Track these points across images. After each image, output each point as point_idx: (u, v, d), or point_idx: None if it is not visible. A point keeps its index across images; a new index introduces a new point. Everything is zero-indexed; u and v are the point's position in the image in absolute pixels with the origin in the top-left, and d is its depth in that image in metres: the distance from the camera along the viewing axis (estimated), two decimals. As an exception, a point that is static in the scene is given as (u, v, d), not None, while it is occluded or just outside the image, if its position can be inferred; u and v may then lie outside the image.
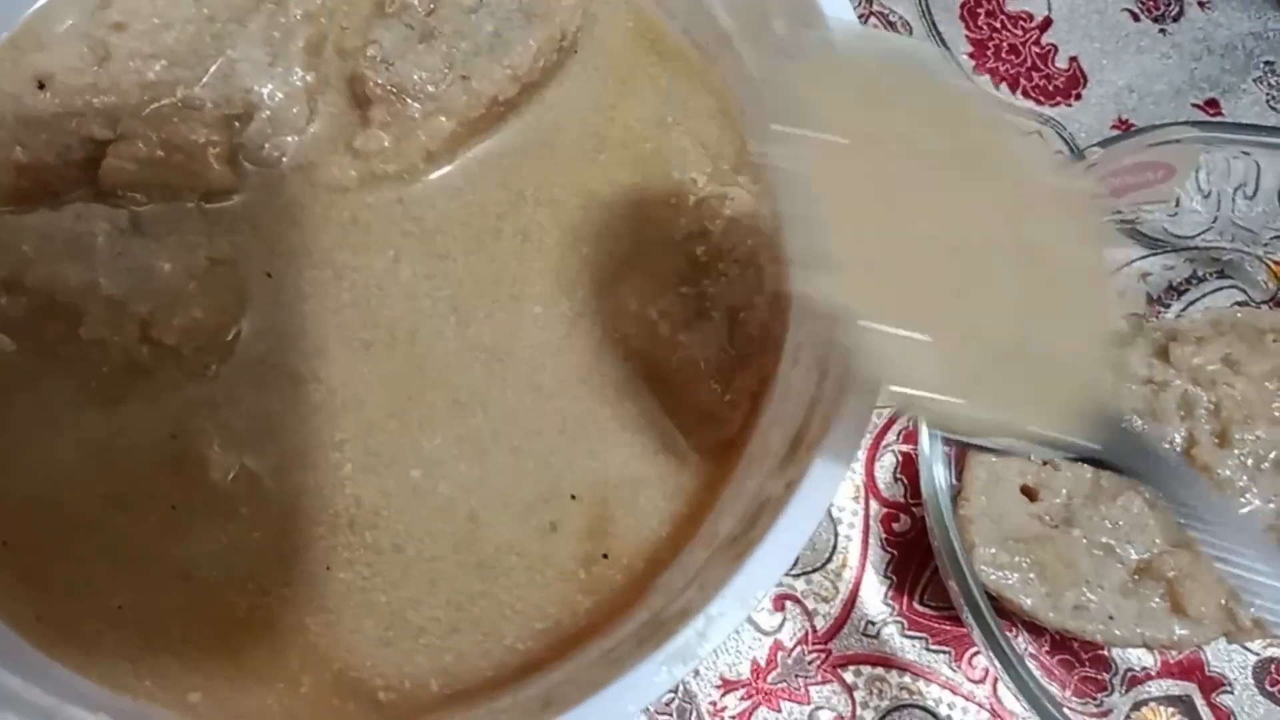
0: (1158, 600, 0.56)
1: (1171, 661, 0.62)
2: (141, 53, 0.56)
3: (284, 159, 0.58)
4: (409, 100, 0.57)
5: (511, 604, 0.52)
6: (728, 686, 0.60)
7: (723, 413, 0.54)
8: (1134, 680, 0.62)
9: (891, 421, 0.66)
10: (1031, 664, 0.55)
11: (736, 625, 0.42)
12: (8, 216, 0.54)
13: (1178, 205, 0.68)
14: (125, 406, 0.53)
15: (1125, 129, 0.76)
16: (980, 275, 0.42)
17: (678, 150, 0.60)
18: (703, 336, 0.54)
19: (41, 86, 0.56)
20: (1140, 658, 0.62)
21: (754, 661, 0.61)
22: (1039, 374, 0.42)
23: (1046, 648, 0.61)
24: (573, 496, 0.54)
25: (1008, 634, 0.53)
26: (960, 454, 0.60)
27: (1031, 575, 0.57)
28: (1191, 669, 0.62)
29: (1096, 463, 0.43)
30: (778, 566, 0.42)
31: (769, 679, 0.61)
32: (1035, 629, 0.59)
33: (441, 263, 0.57)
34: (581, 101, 0.61)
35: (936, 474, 0.53)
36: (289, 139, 0.58)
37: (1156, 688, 0.62)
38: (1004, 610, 0.57)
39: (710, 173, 0.59)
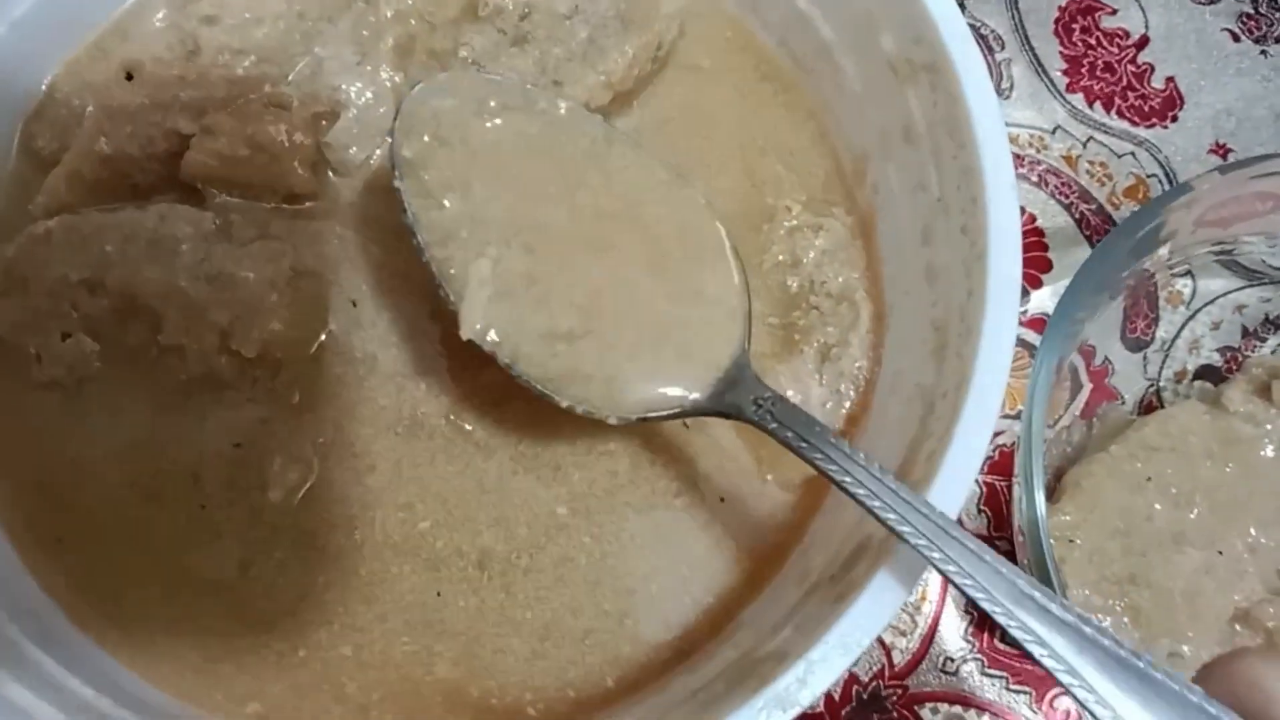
0: (1258, 640, 0.54)
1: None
2: (231, 47, 0.55)
3: (369, 160, 0.57)
4: (500, 106, 0.55)
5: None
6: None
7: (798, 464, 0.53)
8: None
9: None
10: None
11: (841, 673, 0.40)
12: (94, 214, 0.53)
13: (1277, 237, 0.65)
14: (195, 415, 0.52)
15: (1223, 154, 0.73)
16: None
17: (772, 175, 0.58)
18: (791, 370, 0.53)
19: (129, 77, 0.55)
20: (1229, 707, 0.60)
21: (829, 696, 0.59)
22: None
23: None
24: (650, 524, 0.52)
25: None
26: (1052, 489, 0.58)
27: (1125, 620, 0.54)
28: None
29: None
30: (884, 613, 0.41)
31: (844, 714, 0.59)
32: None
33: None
34: (673, 115, 0.59)
35: (1038, 504, 0.51)
36: (375, 140, 0.57)
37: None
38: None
39: (805, 201, 0.58)
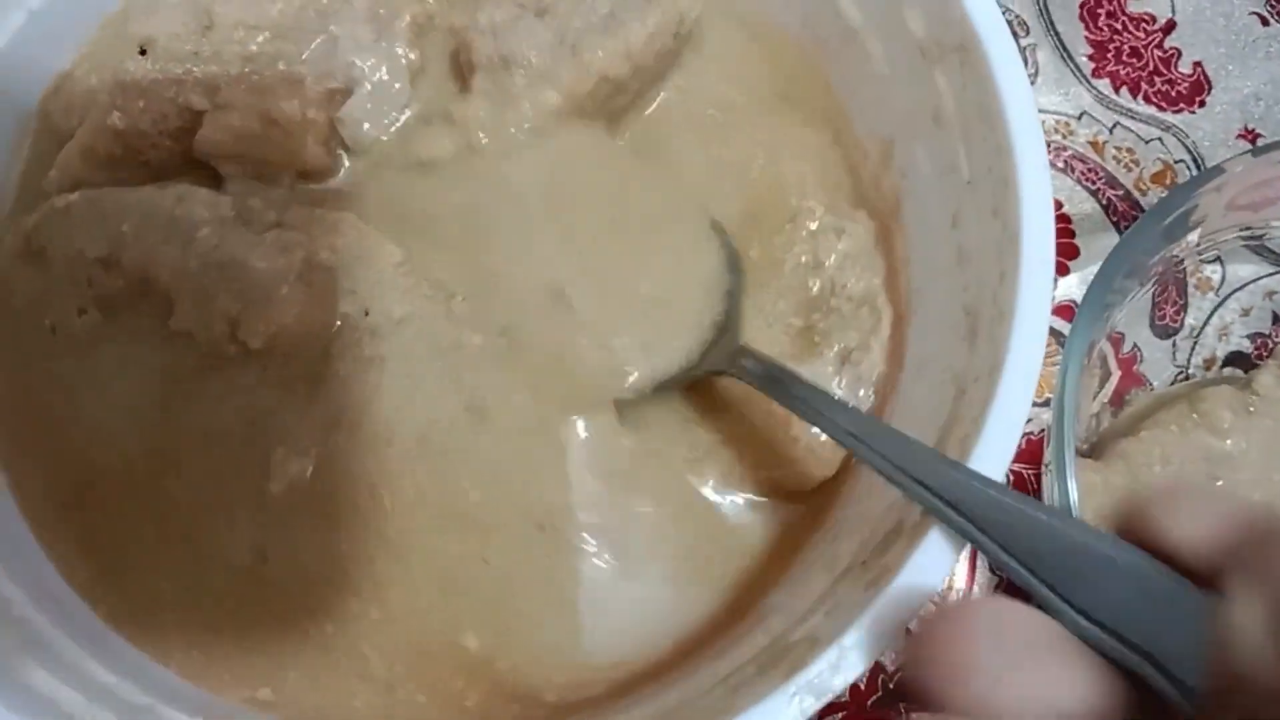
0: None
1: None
2: (246, 23, 0.54)
3: (383, 139, 0.56)
4: (514, 70, 0.54)
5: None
6: (827, 709, 0.57)
7: (823, 452, 0.52)
8: None
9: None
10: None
11: (874, 658, 0.39)
12: (115, 191, 0.52)
13: (1308, 222, 0.64)
14: (200, 401, 0.51)
15: (1251, 139, 0.72)
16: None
17: (795, 174, 0.57)
18: (810, 371, 0.52)
19: (143, 52, 0.54)
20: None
21: (855, 685, 0.58)
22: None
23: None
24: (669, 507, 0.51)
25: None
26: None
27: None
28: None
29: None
30: (916, 599, 0.40)
31: (870, 703, 0.58)
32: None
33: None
34: (696, 101, 0.58)
35: (1070, 492, 0.50)
36: (389, 117, 0.56)
37: None
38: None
39: (828, 204, 0.56)
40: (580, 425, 0.52)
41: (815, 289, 0.54)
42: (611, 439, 0.52)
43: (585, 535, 0.50)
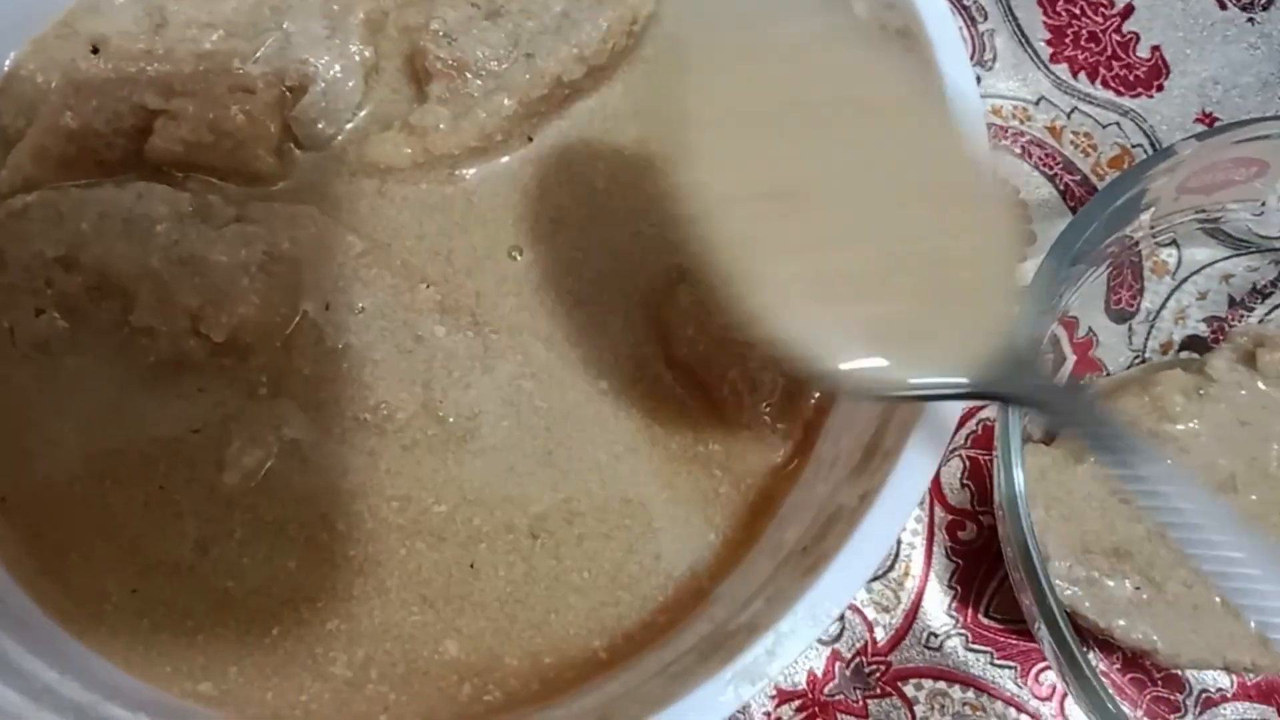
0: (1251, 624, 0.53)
1: (1249, 684, 0.59)
2: (198, 21, 0.55)
3: (337, 137, 0.56)
4: (470, 76, 0.55)
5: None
6: (783, 697, 0.58)
7: (771, 440, 0.53)
8: (1209, 702, 0.59)
9: (960, 424, 0.64)
10: (1103, 682, 0.52)
11: (809, 643, 0.39)
12: (72, 190, 0.52)
13: (1263, 205, 0.64)
14: (161, 396, 0.52)
15: (1209, 123, 0.72)
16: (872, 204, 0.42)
17: None
18: (760, 358, 0.52)
19: (95, 51, 0.55)
20: (1216, 679, 0.59)
21: (810, 672, 0.58)
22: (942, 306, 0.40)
23: (1118, 665, 0.58)
24: (625, 500, 0.52)
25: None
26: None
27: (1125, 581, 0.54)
28: (1270, 692, 0.59)
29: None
30: (852, 582, 0.40)
31: (826, 690, 0.58)
32: (1106, 646, 0.57)
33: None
34: (650, 94, 0.58)
35: (1016, 479, 0.50)
36: (343, 115, 0.56)
37: (1232, 710, 0.59)
38: (1075, 626, 0.55)
39: None
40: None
41: None
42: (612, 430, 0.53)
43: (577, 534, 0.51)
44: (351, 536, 0.50)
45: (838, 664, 0.59)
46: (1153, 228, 0.61)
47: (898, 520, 0.41)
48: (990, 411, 0.64)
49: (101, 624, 0.49)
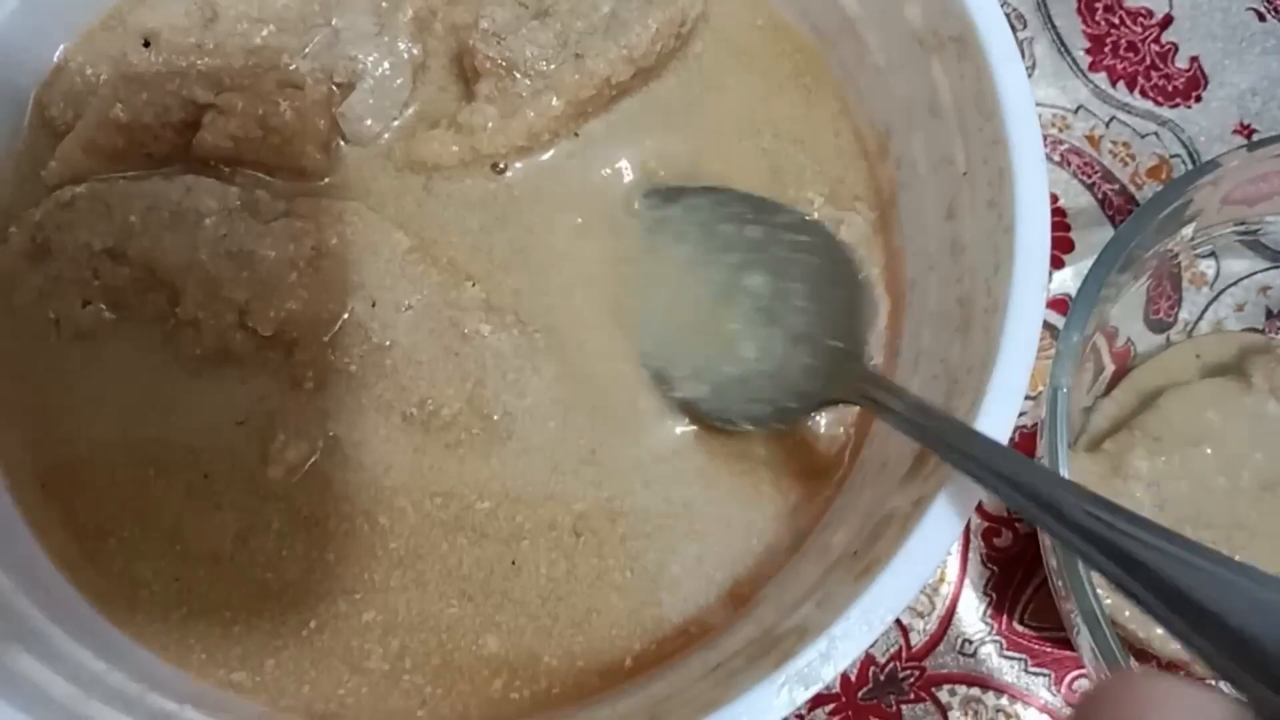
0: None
1: (1284, 698, 0.59)
2: (249, 16, 0.55)
3: (384, 134, 0.56)
4: (518, 76, 0.54)
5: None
6: (817, 700, 0.58)
7: (815, 444, 0.53)
8: (1243, 714, 0.59)
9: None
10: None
11: (864, 648, 0.39)
12: (120, 182, 0.52)
13: (1302, 217, 0.64)
14: (206, 386, 0.52)
15: (1248, 134, 0.72)
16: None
17: (794, 165, 0.57)
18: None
19: (146, 44, 0.55)
20: (1250, 692, 0.59)
21: (844, 677, 0.59)
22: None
23: (1153, 676, 0.58)
24: (668, 500, 0.52)
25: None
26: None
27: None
28: (1304, 706, 0.59)
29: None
30: (907, 588, 0.40)
31: (860, 695, 0.58)
32: (1143, 655, 0.57)
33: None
34: (695, 95, 0.58)
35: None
36: (390, 112, 0.56)
37: (1266, 724, 0.59)
38: (1113, 635, 0.55)
39: (828, 195, 0.57)
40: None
41: None
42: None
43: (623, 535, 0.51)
44: (393, 530, 0.51)
45: (872, 668, 0.59)
46: (1194, 239, 0.61)
47: (953, 527, 0.41)
48: (1027, 419, 0.63)
49: (139, 611, 0.50)
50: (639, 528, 0.51)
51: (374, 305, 0.52)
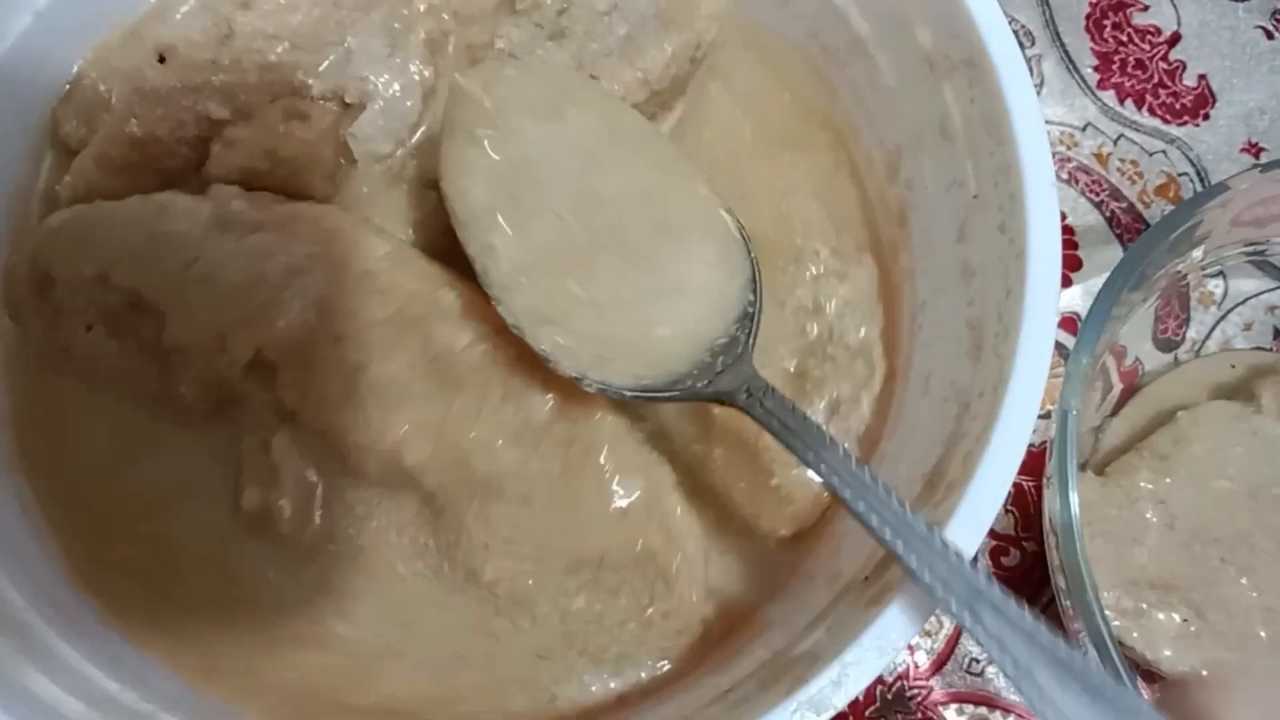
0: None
1: (1290, 718, 0.59)
2: (265, 33, 0.55)
3: (394, 155, 0.56)
4: (534, 100, 0.54)
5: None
6: None
7: (805, 503, 0.52)
8: (1249, 735, 0.59)
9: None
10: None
11: (876, 675, 0.39)
12: (103, 205, 0.52)
13: (1311, 237, 0.65)
14: (204, 411, 0.52)
15: (1255, 153, 0.72)
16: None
17: (802, 214, 0.57)
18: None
19: (162, 60, 0.55)
20: (1257, 712, 0.59)
21: (854, 695, 0.59)
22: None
23: (1159, 696, 0.58)
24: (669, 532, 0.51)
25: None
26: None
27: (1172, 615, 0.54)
28: (1311, 727, 0.59)
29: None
30: (919, 615, 0.40)
31: (867, 714, 0.59)
32: (1150, 676, 0.57)
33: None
34: (704, 134, 0.58)
35: (1072, 506, 0.50)
36: (400, 133, 0.56)
37: (1272, 745, 0.59)
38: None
39: (834, 246, 0.56)
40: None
41: (813, 334, 0.54)
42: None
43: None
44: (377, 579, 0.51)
45: (879, 687, 0.59)
46: (1203, 259, 0.61)
47: (964, 556, 0.41)
48: (1036, 437, 0.64)
49: (152, 630, 0.50)
50: (632, 569, 0.51)
51: (352, 315, 0.50)
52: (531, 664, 0.50)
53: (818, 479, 0.47)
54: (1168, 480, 0.56)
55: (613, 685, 0.50)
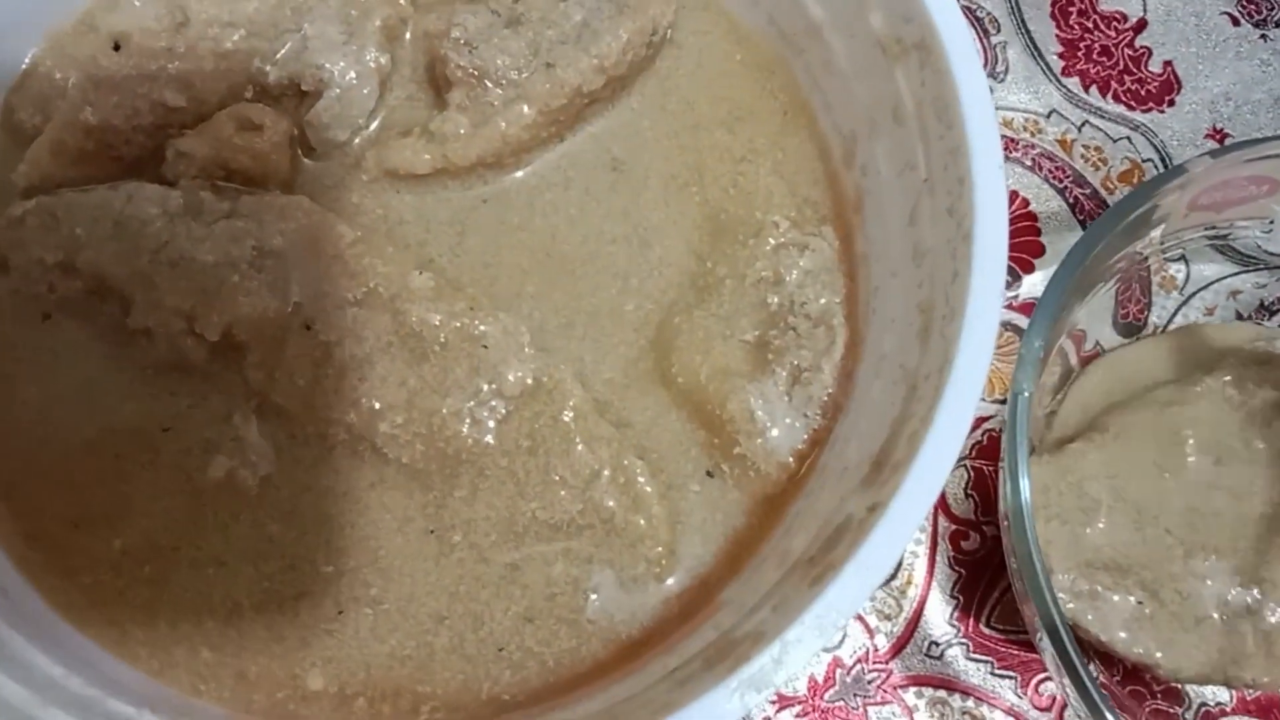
0: (1251, 640, 0.53)
1: (1249, 699, 0.60)
2: (220, 20, 0.55)
3: (353, 141, 0.56)
4: (490, 85, 0.55)
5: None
6: (783, 703, 0.58)
7: (770, 471, 0.52)
8: (1208, 716, 0.60)
9: (965, 435, 0.64)
10: (1104, 694, 0.52)
11: (815, 653, 0.40)
12: (68, 194, 0.53)
13: (1272, 223, 0.65)
14: (162, 391, 0.52)
15: (1220, 139, 0.73)
16: None
17: (762, 186, 0.57)
18: (760, 389, 0.52)
19: (117, 48, 0.55)
20: (1215, 693, 0.60)
21: (811, 678, 0.59)
22: None
23: (1119, 678, 0.59)
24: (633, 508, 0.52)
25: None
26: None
27: (1129, 597, 0.55)
28: (1270, 707, 0.60)
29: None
30: (859, 594, 0.41)
31: (826, 697, 0.59)
32: (1107, 658, 0.57)
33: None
34: (665, 112, 0.59)
35: (1023, 491, 0.50)
36: (356, 121, 0.56)
37: (1231, 725, 0.60)
38: (1077, 638, 0.55)
39: (794, 218, 0.56)
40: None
41: (774, 305, 0.54)
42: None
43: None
44: (340, 547, 0.51)
45: (839, 670, 0.59)
46: (1162, 243, 0.62)
47: (906, 533, 0.41)
48: (995, 423, 0.64)
49: (96, 614, 0.50)
50: (601, 537, 0.51)
51: (320, 300, 0.52)
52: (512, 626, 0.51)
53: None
54: (1119, 461, 0.57)
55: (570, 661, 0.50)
